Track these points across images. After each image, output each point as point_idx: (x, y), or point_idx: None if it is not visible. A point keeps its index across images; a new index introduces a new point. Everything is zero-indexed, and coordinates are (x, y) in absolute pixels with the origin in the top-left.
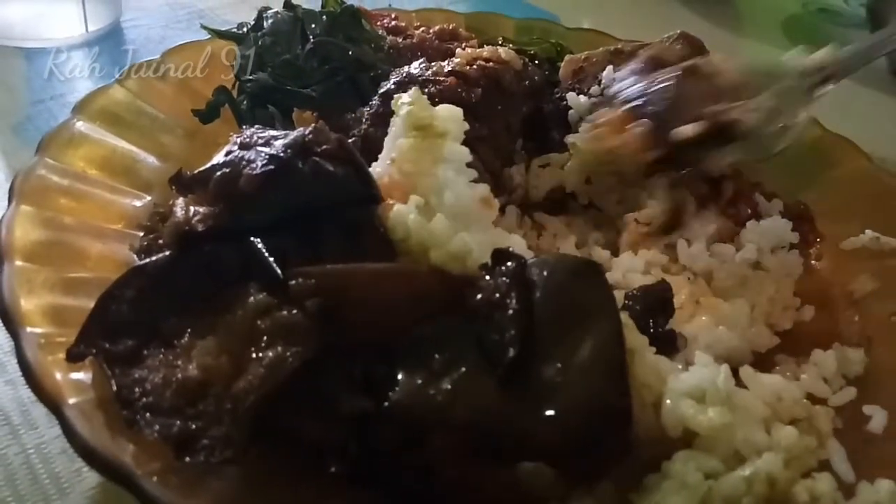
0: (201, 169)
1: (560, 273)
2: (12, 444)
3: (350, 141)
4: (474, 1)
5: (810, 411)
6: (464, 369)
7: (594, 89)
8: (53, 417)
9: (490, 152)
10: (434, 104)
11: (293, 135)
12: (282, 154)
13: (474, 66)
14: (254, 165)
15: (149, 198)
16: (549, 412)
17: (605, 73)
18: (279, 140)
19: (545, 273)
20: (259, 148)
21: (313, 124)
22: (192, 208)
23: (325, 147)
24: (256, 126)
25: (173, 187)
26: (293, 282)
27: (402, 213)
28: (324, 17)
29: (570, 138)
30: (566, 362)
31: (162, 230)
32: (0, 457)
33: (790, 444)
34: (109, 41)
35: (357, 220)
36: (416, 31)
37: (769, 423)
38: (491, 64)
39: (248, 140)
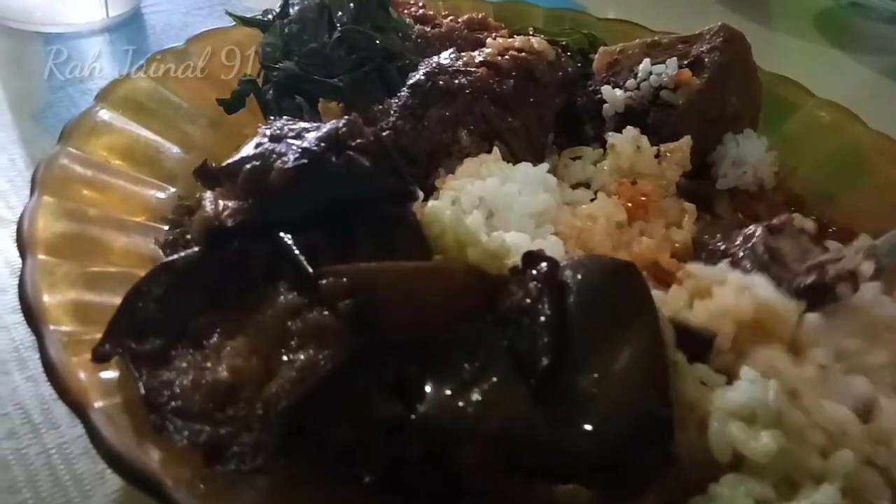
0: (229, 161)
1: (595, 275)
2: (33, 444)
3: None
4: None
5: (880, 451)
6: (495, 379)
7: (630, 83)
8: (75, 416)
9: (522, 145)
10: (465, 95)
11: (326, 128)
12: (315, 148)
13: (506, 57)
14: (285, 159)
15: (172, 189)
16: (586, 424)
17: (641, 66)
18: (311, 133)
19: (579, 276)
20: (290, 140)
21: (346, 117)
22: (221, 202)
23: (359, 141)
24: (285, 117)
25: (198, 179)
26: (324, 281)
27: (438, 209)
28: (351, 4)
29: (611, 138)
30: (603, 371)
31: (187, 224)
32: (21, 456)
33: (850, 473)
34: (130, 27)
35: (391, 216)
36: (445, 21)
37: (827, 450)
38: (523, 54)
39: (278, 132)
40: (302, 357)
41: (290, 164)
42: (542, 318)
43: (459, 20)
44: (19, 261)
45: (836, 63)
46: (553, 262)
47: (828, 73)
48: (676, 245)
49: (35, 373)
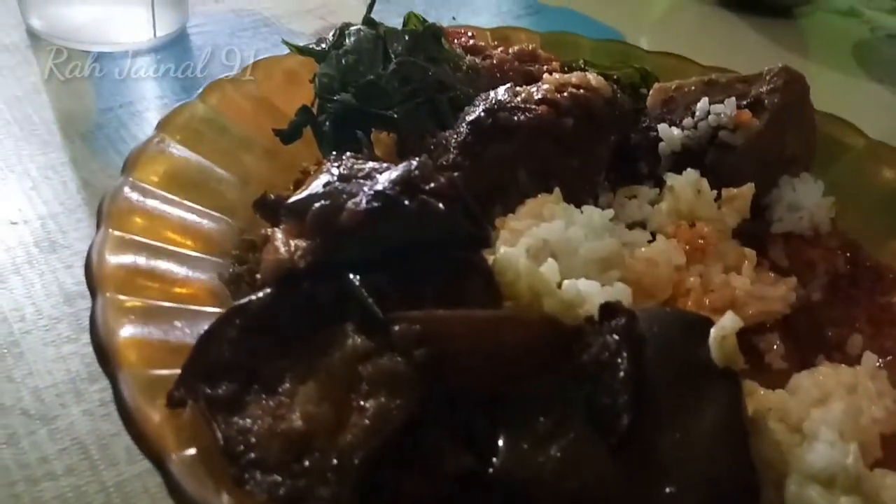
0: (297, 198)
1: (672, 329)
2: (92, 482)
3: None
4: (536, 18)
5: None
6: (572, 435)
7: (687, 121)
8: (134, 451)
9: (578, 184)
10: (525, 133)
11: (398, 170)
12: (388, 191)
13: (565, 94)
14: (357, 200)
15: (231, 221)
16: (668, 486)
17: (699, 105)
18: (383, 174)
19: (655, 329)
20: (361, 181)
21: (417, 159)
22: (292, 243)
23: (432, 185)
24: (349, 154)
25: (257, 212)
26: (397, 327)
27: (512, 255)
28: (406, 35)
29: (669, 180)
30: (683, 431)
31: (251, 260)
32: (80, 494)
33: None
34: (177, 47)
35: (462, 261)
36: (495, 52)
37: None
38: (582, 91)
39: (347, 171)
40: (374, 405)
41: (362, 206)
42: (622, 374)
43: (510, 51)
44: (74, 288)
45: (875, 97)
46: (632, 316)
47: (868, 108)
48: (737, 292)
49: (92, 406)
